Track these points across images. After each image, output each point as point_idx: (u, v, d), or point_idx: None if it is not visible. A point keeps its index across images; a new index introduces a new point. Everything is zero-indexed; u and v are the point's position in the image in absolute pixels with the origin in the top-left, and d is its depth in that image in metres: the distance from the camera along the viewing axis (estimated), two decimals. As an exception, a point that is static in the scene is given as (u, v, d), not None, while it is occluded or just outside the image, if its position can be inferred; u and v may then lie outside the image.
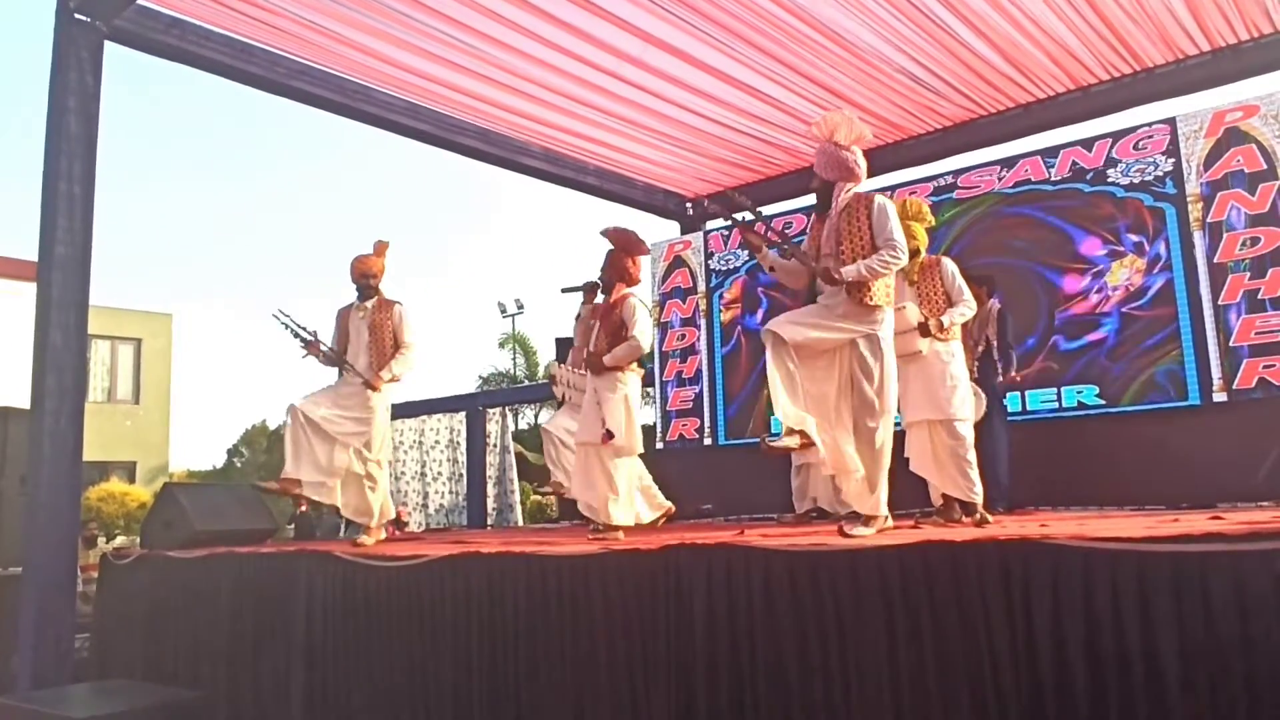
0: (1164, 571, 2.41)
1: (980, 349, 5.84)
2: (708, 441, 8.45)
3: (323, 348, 5.63)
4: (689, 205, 9.59)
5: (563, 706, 3.64)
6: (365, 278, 5.73)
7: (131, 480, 22.05)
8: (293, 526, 11.48)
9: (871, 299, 4.00)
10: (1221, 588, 2.33)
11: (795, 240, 4.95)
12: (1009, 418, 6.21)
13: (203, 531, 5.75)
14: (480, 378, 27.04)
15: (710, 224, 9.25)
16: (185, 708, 4.65)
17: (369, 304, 5.72)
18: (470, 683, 3.97)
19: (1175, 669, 2.37)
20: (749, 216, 4.38)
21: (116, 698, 4.70)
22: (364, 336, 5.66)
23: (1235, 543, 2.37)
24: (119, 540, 14.32)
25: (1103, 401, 6.57)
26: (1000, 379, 5.85)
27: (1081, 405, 6.64)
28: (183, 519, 5.81)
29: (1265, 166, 6.16)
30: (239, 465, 29.33)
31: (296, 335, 5.57)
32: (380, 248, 5.83)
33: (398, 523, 11.69)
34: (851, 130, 4.17)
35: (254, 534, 6.03)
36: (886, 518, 4.02)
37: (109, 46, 6.01)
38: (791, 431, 3.86)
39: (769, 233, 4.42)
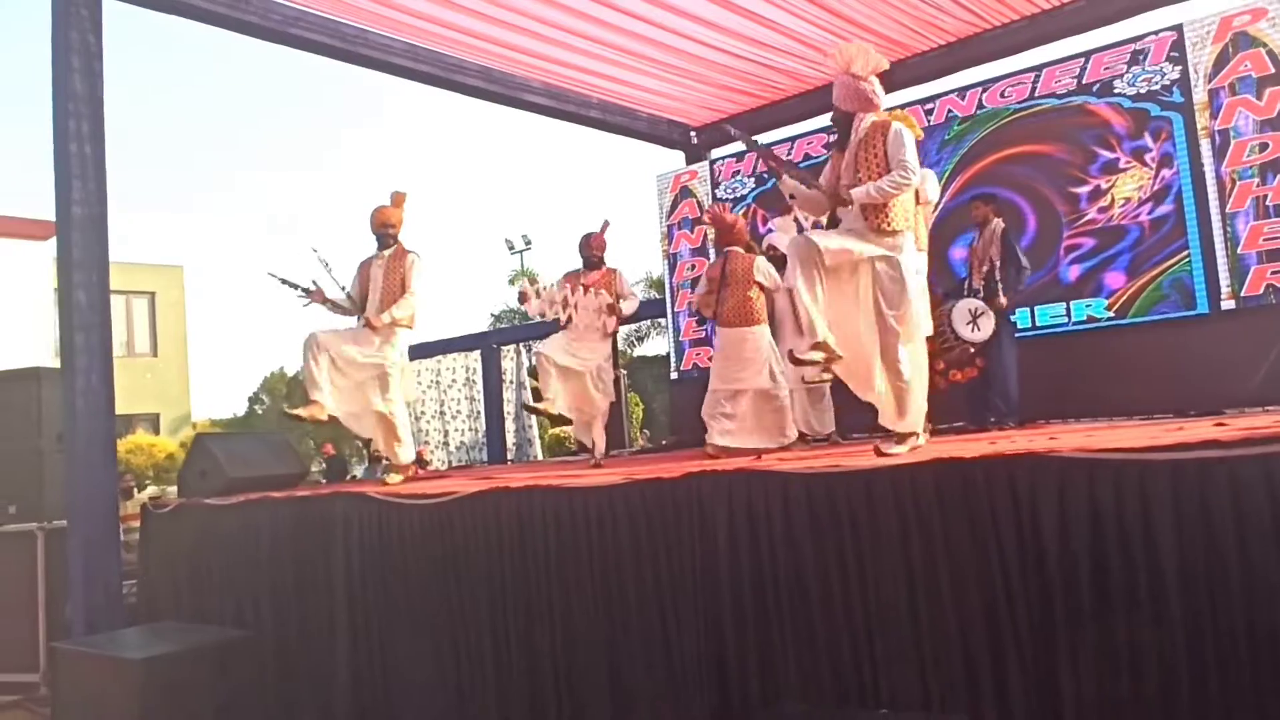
0: (1163, 478, 2.53)
1: (985, 269, 5.91)
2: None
3: (327, 295, 5.83)
4: (694, 134, 9.55)
5: (595, 630, 3.82)
6: (384, 227, 5.99)
7: (156, 432, 22.45)
8: (323, 469, 11.74)
9: (890, 224, 4.04)
10: (1217, 491, 2.45)
11: (806, 165, 5.00)
12: (1017, 334, 6.29)
13: (236, 479, 5.94)
14: (492, 315, 27.14)
15: (715, 152, 9.24)
16: (236, 646, 4.87)
17: (387, 253, 5.94)
18: (505, 613, 4.16)
19: (1174, 569, 2.50)
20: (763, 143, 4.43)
21: (170, 639, 4.92)
22: (379, 283, 5.84)
23: (1231, 448, 2.49)
24: (150, 490, 14.65)
25: (1111, 314, 6.64)
26: (1003, 299, 5.90)
27: (1091, 319, 6.71)
28: (216, 468, 5.99)
29: (1274, 70, 6.10)
30: (260, 413, 29.72)
31: (296, 286, 5.80)
32: (398, 199, 6.02)
33: (420, 461, 11.97)
34: (868, 60, 4.18)
35: (286, 479, 6.22)
36: (917, 435, 4.10)
37: (108, 4, 6.00)
38: (818, 345, 3.92)
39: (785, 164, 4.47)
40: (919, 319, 4.17)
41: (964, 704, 2.85)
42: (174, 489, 7.80)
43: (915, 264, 4.21)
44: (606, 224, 6.61)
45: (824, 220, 4.58)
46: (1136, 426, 4.52)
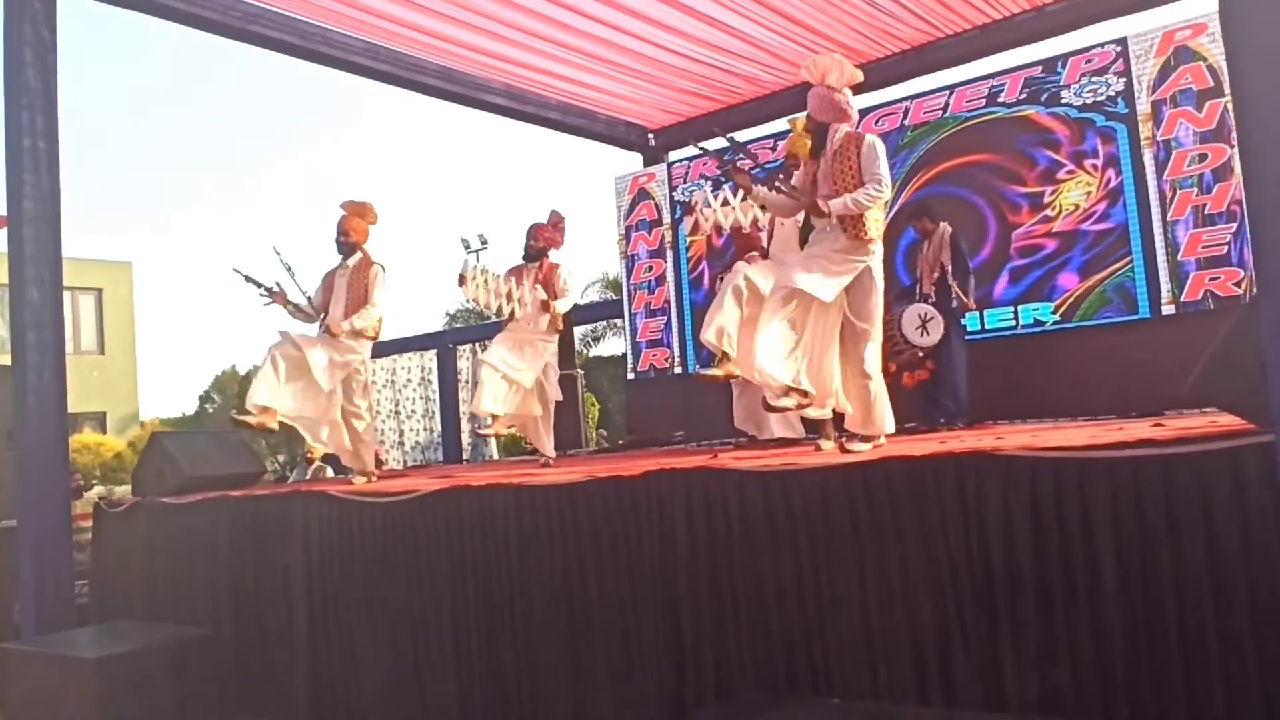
0: (1101, 476, 2.65)
1: (936, 274, 6.05)
2: (678, 370, 8.65)
3: (294, 296, 5.80)
4: (651, 137, 9.64)
5: (556, 625, 3.88)
6: (348, 236, 5.95)
7: (103, 431, 22.03)
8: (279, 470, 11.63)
9: (866, 232, 4.18)
10: (1152, 489, 2.58)
11: (769, 168, 5.15)
12: (967, 337, 6.45)
13: (193, 478, 5.90)
14: (448, 314, 26.99)
15: (673, 155, 9.33)
16: (193, 644, 4.85)
17: (351, 262, 5.92)
18: (466, 610, 4.20)
19: (1111, 563, 2.63)
20: (737, 155, 4.55)
21: (124, 638, 4.89)
22: (342, 293, 5.86)
23: (1165, 447, 2.62)
24: (97, 490, 14.40)
25: (1057, 318, 6.83)
26: (956, 304, 6.05)
27: (1038, 322, 6.90)
28: (173, 467, 5.96)
29: (1213, 84, 6.32)
30: (211, 411, 29.30)
31: (260, 285, 5.78)
32: (365, 209, 6.01)
33: (376, 461, 11.91)
34: (843, 73, 4.31)
35: (242, 478, 6.19)
36: (880, 436, 4.23)
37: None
38: (791, 391, 4.04)
39: (751, 166, 4.59)
40: (880, 319, 4.30)
41: (912, 693, 2.96)
42: (122, 489, 7.72)
43: (879, 267, 4.34)
44: (556, 216, 6.35)
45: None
46: (1080, 427, 4.69)
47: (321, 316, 5.89)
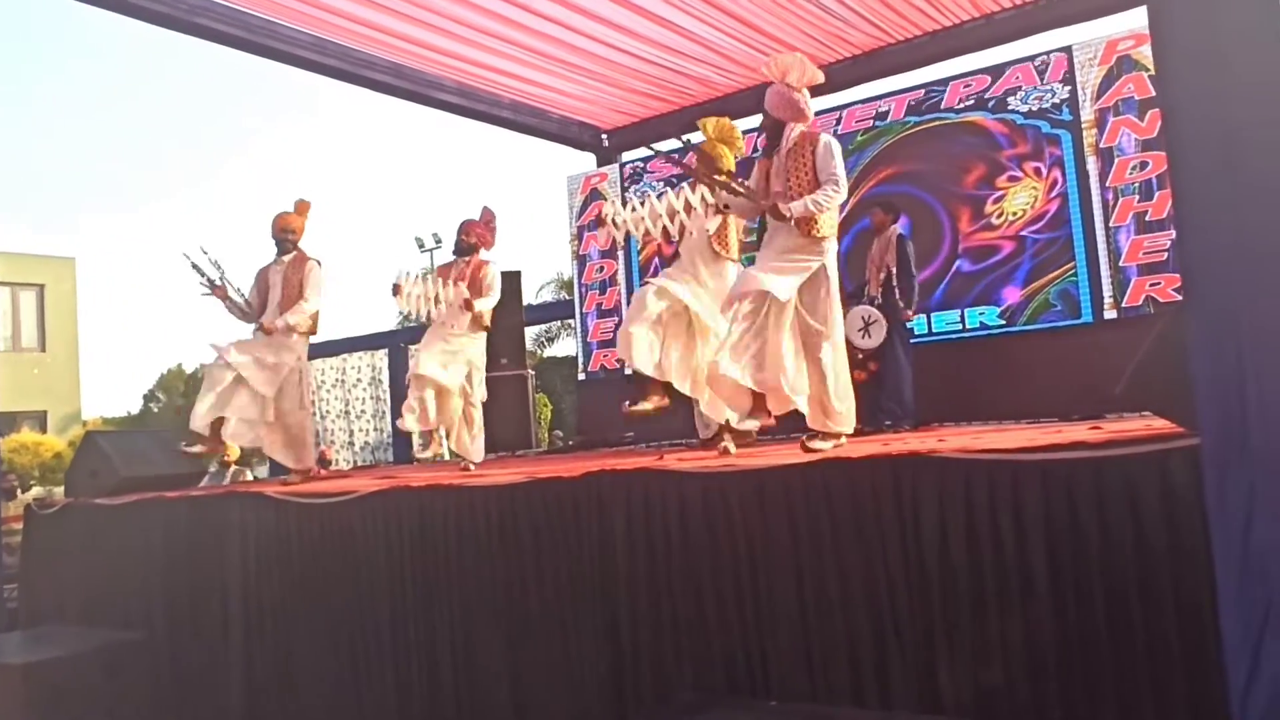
0: (1034, 478, 2.67)
1: (882, 275, 6.09)
2: (628, 371, 8.62)
3: (231, 293, 5.71)
4: (604, 137, 9.61)
5: (496, 627, 3.84)
6: (285, 233, 5.88)
7: (43, 430, 21.46)
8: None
9: (819, 231, 4.20)
10: (1083, 490, 2.60)
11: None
12: (914, 340, 6.50)
13: (129, 478, 5.76)
14: (400, 313, 26.67)
15: (626, 155, 9.31)
16: (125, 649, 4.74)
17: (286, 259, 5.85)
18: (405, 612, 4.14)
19: (1043, 564, 2.65)
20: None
21: (53, 643, 4.76)
22: (277, 290, 5.78)
23: (1097, 450, 2.65)
24: (35, 491, 14.03)
25: (1003, 321, 6.92)
26: (903, 309, 6.09)
27: (984, 325, 6.98)
28: (108, 467, 5.81)
29: (1154, 93, 6.43)
30: (156, 411, 28.74)
31: (204, 274, 5.68)
32: (301, 206, 5.95)
33: (323, 461, 11.75)
34: (804, 73, 4.33)
35: (181, 478, 6.06)
36: (842, 436, 4.22)
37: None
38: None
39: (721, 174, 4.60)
40: (839, 318, 4.30)
41: (848, 695, 2.96)
42: (60, 489, 7.52)
43: (834, 265, 4.35)
44: (488, 213, 6.12)
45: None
46: (1020, 429, 4.74)
47: (260, 315, 5.79)
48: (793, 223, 4.18)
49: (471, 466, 5.69)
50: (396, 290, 5.64)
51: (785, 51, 7.42)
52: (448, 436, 5.91)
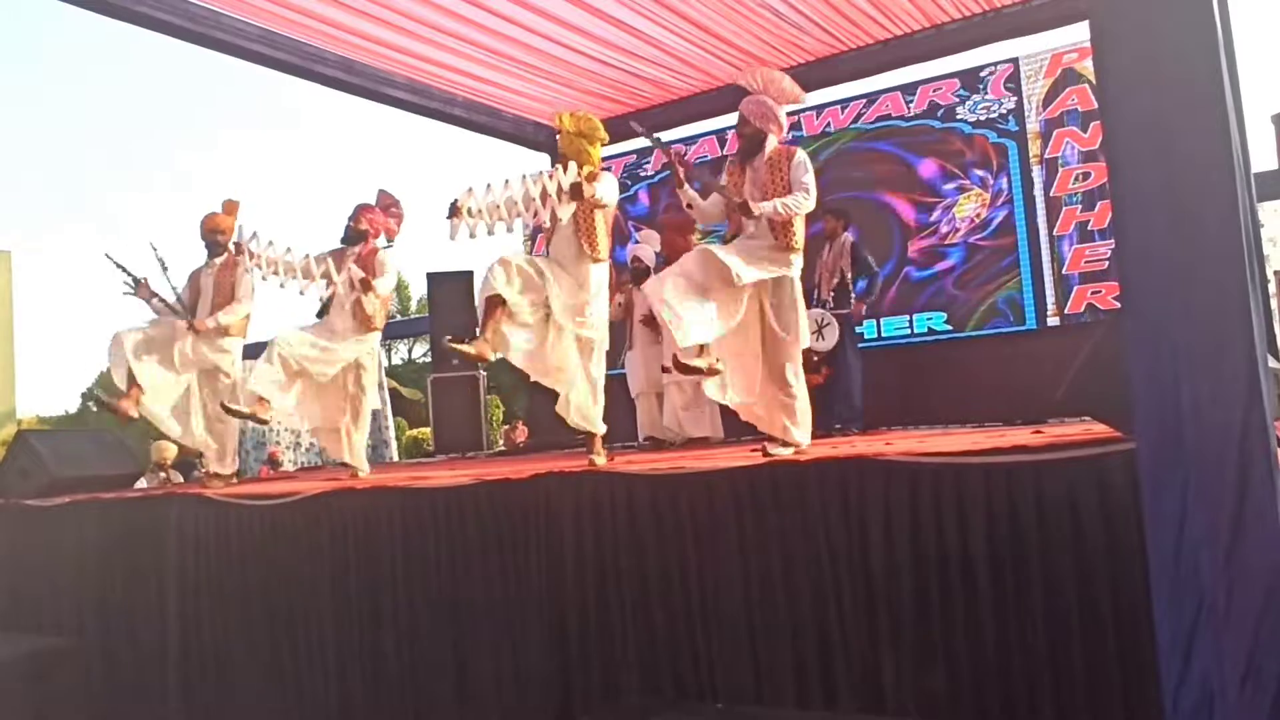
0: (977, 481, 2.70)
1: (835, 281, 6.15)
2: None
3: (154, 292, 5.59)
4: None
5: (442, 631, 3.79)
6: (214, 234, 5.72)
7: (-24, 428, 20.84)
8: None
9: (794, 241, 4.21)
10: (1023, 493, 2.64)
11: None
12: (863, 345, 6.57)
13: (62, 478, 5.58)
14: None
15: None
16: (53, 654, 4.59)
17: (218, 261, 5.72)
18: (349, 616, 4.07)
19: (985, 565, 2.68)
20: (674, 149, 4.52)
21: (-21, 649, 4.60)
22: (209, 291, 5.66)
23: (1037, 454, 2.69)
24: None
25: (950, 327, 7.02)
26: (862, 307, 6.17)
27: (931, 331, 7.08)
28: (39, 466, 5.62)
29: (1097, 105, 6.58)
30: (95, 410, 28.03)
31: (126, 274, 5.57)
32: (230, 206, 5.81)
33: (271, 462, 11.54)
34: (788, 90, 4.37)
35: (117, 479, 5.89)
36: (802, 445, 4.15)
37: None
38: (704, 352, 3.97)
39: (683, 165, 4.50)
40: (804, 330, 4.29)
41: (792, 697, 2.97)
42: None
43: (798, 281, 4.34)
44: (386, 197, 5.58)
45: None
46: (965, 433, 4.80)
47: (174, 308, 5.63)
48: (769, 229, 4.19)
49: (358, 473, 5.28)
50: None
51: (735, 58, 7.55)
52: (323, 441, 5.71)
